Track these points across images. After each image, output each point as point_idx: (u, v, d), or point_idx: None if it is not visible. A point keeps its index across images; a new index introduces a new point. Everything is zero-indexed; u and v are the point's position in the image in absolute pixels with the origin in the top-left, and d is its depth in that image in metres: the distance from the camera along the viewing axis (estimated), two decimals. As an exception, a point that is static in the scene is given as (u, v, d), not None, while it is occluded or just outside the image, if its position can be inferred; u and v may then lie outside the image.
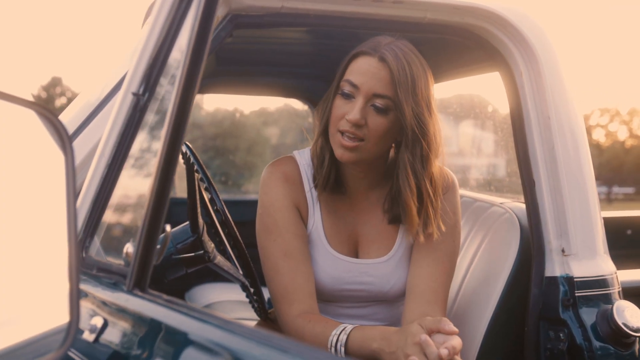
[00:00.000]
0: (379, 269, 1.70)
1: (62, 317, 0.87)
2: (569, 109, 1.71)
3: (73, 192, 0.89)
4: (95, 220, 1.18)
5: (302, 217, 1.71)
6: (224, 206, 1.72)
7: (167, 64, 1.06)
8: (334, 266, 1.69)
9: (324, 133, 1.64)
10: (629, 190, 40.43)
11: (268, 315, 1.84)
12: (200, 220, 1.70)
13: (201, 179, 1.72)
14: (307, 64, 3.04)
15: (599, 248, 1.70)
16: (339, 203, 1.72)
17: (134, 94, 1.09)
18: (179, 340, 0.89)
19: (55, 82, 61.25)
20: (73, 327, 0.86)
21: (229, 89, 3.56)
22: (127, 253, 1.05)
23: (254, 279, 1.74)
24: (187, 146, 1.71)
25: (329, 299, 1.72)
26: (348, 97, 1.57)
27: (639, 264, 2.68)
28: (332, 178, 1.66)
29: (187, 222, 1.71)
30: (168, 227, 1.09)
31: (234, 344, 0.79)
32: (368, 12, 1.62)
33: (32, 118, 0.91)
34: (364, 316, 1.74)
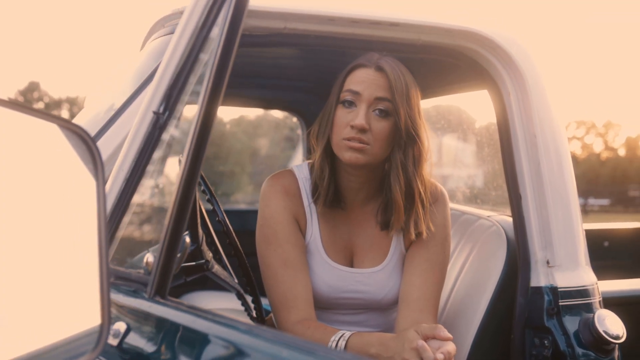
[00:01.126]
0: (373, 278, 1.77)
1: (93, 321, 0.94)
2: (553, 127, 1.79)
3: (104, 207, 0.96)
4: (113, 231, 1.24)
5: (301, 228, 1.78)
6: (225, 217, 1.79)
7: (187, 85, 1.13)
8: (331, 275, 1.76)
9: (326, 148, 1.72)
10: (604, 202, 40.97)
11: (265, 322, 1.90)
12: (200, 231, 1.77)
13: (203, 191, 1.79)
14: (298, 78, 3.10)
15: (581, 260, 1.77)
16: (336, 215, 1.80)
17: (155, 113, 1.16)
18: (204, 343, 0.96)
19: (33, 87, 60.62)
20: (105, 329, 0.92)
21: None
22: (147, 262, 1.12)
23: (253, 286, 1.80)
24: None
25: (326, 307, 1.79)
26: (350, 105, 1.66)
27: (616, 275, 2.76)
28: (331, 193, 1.74)
29: (187, 232, 1.78)
30: (187, 239, 1.15)
31: (258, 346, 0.86)
32: (366, 33, 1.70)
33: (66, 135, 0.98)
34: (359, 322, 1.81)
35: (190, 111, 1.19)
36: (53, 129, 0.96)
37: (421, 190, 1.71)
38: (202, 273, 1.78)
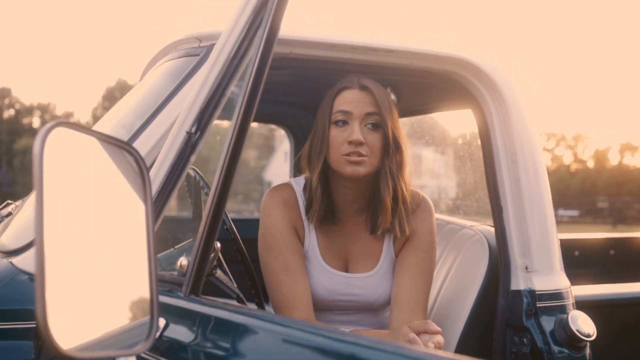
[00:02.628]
0: (366, 282, 1.93)
1: (143, 314, 1.09)
2: (532, 145, 1.94)
3: (152, 213, 1.11)
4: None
5: (300, 237, 1.94)
6: (233, 225, 1.94)
7: (219, 106, 1.28)
8: (328, 279, 1.92)
9: (323, 169, 1.87)
10: (574, 213, 41.54)
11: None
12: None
13: (206, 193, 1.93)
14: (287, 93, 3.24)
15: (557, 266, 1.91)
16: (331, 225, 1.96)
17: (187, 132, 1.30)
18: (236, 334, 1.11)
19: (4, 93, 59.83)
20: (155, 322, 1.07)
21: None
22: (181, 265, 1.27)
23: (257, 290, 1.95)
24: (195, 170, 1.92)
25: (324, 308, 1.95)
26: (344, 124, 1.83)
27: (586, 282, 2.92)
28: (322, 210, 1.90)
29: (191, 240, 1.92)
30: (218, 244, 1.30)
31: (288, 333, 1.01)
32: (364, 59, 1.86)
33: (118, 152, 1.12)
34: (353, 322, 1.97)
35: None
36: (110, 147, 1.11)
37: (405, 193, 1.88)
38: (206, 278, 1.93)
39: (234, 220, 2.00)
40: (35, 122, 61.40)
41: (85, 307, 1.01)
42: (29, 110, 61.13)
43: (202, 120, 1.29)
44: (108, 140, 1.11)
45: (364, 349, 0.91)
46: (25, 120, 61.19)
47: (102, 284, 1.06)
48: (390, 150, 1.84)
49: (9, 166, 51.97)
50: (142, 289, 1.10)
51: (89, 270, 1.03)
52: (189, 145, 1.31)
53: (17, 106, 60.51)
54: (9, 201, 2.43)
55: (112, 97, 57.04)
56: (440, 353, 0.93)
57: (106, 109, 55.90)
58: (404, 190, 1.88)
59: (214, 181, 1.18)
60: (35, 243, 0.88)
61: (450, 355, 0.89)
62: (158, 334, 1.20)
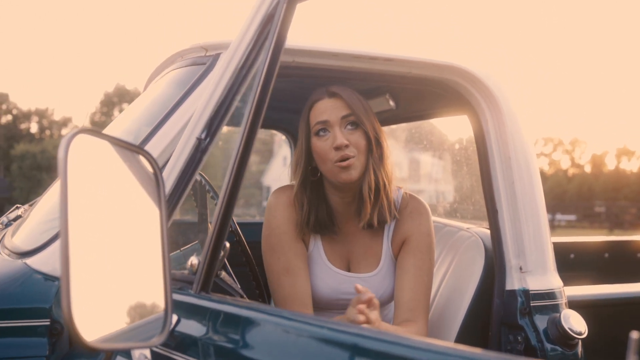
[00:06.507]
0: (369, 281, 2.00)
1: (158, 310, 1.15)
2: (526, 150, 2.00)
3: (166, 215, 1.18)
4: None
5: (304, 238, 2.00)
6: (238, 227, 2.01)
7: (228, 113, 1.35)
8: (332, 279, 1.99)
9: (303, 181, 1.96)
10: (571, 217, 41.57)
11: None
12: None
13: (216, 204, 2.00)
14: (289, 99, 3.30)
15: (550, 266, 1.96)
16: (332, 233, 2.03)
17: (198, 138, 1.37)
18: (245, 328, 1.17)
19: (2, 99, 59.78)
20: (169, 316, 1.14)
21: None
22: (192, 264, 1.33)
23: (261, 290, 2.02)
24: (200, 175, 1.99)
25: (327, 307, 2.02)
26: (324, 133, 1.90)
27: (582, 284, 2.98)
28: (318, 220, 1.97)
29: (196, 242, 1.99)
30: (227, 244, 1.37)
31: (292, 326, 1.08)
32: (365, 67, 1.93)
33: (134, 157, 1.19)
34: (355, 320, 2.04)
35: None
36: (128, 153, 1.18)
37: (386, 183, 1.96)
38: (211, 279, 2.00)
39: (240, 224, 2.07)
40: (33, 127, 61.42)
41: (106, 302, 1.08)
42: (26, 116, 61.12)
43: (212, 126, 1.36)
44: (125, 146, 1.18)
45: (366, 339, 0.98)
46: (22, 126, 61.17)
47: (120, 281, 1.12)
48: (372, 147, 1.92)
49: (6, 171, 51.94)
50: (156, 286, 1.16)
51: (109, 268, 1.10)
52: (199, 151, 1.38)
53: (15, 111, 60.50)
54: (18, 205, 2.50)
55: (110, 102, 56.99)
56: (437, 342, 0.99)
57: (104, 114, 55.83)
58: (385, 182, 1.96)
59: (223, 184, 1.25)
60: (60, 243, 0.94)
61: (445, 343, 0.96)
62: (171, 328, 1.26)
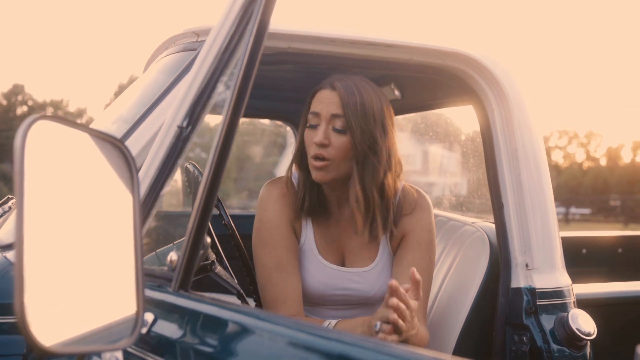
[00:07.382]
0: (364, 277, 1.91)
1: (130, 310, 1.08)
2: (533, 141, 1.93)
3: (139, 209, 1.10)
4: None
5: (296, 231, 1.92)
6: (231, 221, 1.93)
7: (210, 101, 1.27)
8: (325, 273, 1.90)
9: (300, 167, 1.87)
10: (586, 211, 41.33)
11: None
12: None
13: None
14: (292, 89, 3.23)
15: (558, 263, 1.89)
16: (328, 220, 1.94)
17: (179, 127, 1.29)
18: (225, 330, 1.09)
19: (17, 90, 60.19)
20: (140, 318, 1.06)
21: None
22: (171, 260, 1.25)
23: (255, 286, 1.94)
24: (194, 166, 1.91)
25: (320, 303, 1.93)
26: (314, 127, 1.80)
27: (593, 281, 2.90)
28: (307, 203, 1.87)
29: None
30: (208, 239, 1.29)
31: (273, 329, 1.00)
32: (364, 53, 1.84)
33: (105, 147, 1.11)
34: (351, 317, 1.95)
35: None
36: (97, 141, 1.10)
37: (377, 200, 1.80)
38: (206, 273, 1.92)
39: (238, 216, 1.99)
40: (48, 118, 61.51)
41: (70, 303, 1.00)
42: (42, 107, 61.49)
43: (194, 114, 1.28)
44: (93, 134, 1.10)
45: (349, 346, 0.89)
46: (38, 117, 61.40)
47: (88, 280, 1.05)
48: (360, 155, 1.77)
49: (21, 162, 52.17)
50: (128, 284, 1.09)
51: (74, 267, 1.02)
52: (181, 140, 1.30)
53: (30, 103, 60.88)
54: (10, 196, 2.43)
55: (124, 93, 57.09)
56: (428, 352, 0.91)
57: (118, 105, 55.91)
58: (376, 197, 1.80)
59: (204, 176, 1.17)
60: (15, 238, 0.86)
61: (436, 354, 0.87)
62: (146, 329, 1.19)
